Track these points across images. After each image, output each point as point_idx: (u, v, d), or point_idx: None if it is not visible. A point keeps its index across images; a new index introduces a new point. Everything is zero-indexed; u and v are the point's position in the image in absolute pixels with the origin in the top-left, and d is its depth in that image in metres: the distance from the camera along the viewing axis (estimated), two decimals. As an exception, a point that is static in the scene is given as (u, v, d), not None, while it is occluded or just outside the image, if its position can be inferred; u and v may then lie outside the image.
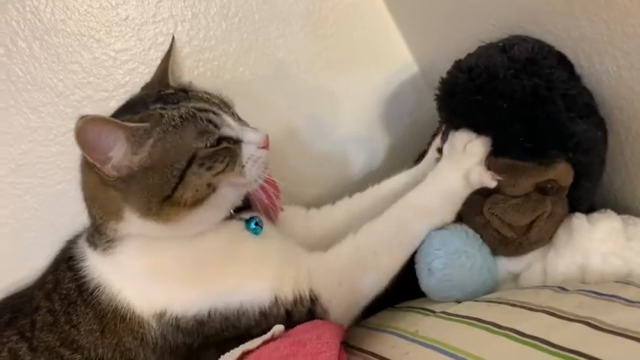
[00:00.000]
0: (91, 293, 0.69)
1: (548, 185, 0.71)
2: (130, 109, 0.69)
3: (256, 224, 0.73)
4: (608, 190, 0.79)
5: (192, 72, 0.88)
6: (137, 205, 0.66)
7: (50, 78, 0.83)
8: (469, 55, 0.78)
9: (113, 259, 0.68)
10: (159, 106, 0.67)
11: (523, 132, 0.68)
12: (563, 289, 0.64)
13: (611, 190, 0.79)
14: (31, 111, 0.83)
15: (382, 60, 1.02)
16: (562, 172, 0.71)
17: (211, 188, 0.66)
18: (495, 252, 0.77)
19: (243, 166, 0.68)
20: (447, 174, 0.75)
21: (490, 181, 0.71)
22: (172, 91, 0.71)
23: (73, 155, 0.68)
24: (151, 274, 0.69)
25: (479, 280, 0.73)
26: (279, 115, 0.97)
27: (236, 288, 0.70)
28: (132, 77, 0.86)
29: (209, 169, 0.66)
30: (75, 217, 0.74)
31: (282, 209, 0.78)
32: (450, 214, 0.75)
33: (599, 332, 0.51)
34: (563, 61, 0.73)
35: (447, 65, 0.77)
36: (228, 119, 0.70)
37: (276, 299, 0.70)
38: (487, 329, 0.59)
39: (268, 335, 0.63)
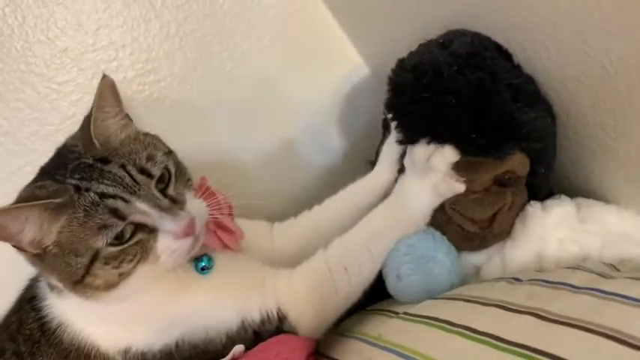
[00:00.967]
0: (53, 332, 0.69)
1: (507, 177, 0.72)
2: (48, 174, 0.65)
3: (203, 268, 0.70)
4: (560, 173, 0.79)
5: (138, 96, 0.88)
6: (57, 280, 0.65)
7: (-6, 117, 0.82)
8: (411, 53, 0.78)
9: (69, 302, 0.68)
10: (75, 179, 0.62)
11: (474, 128, 0.68)
12: (517, 279, 0.64)
13: (563, 173, 0.79)
14: (-22, 152, 0.82)
15: (332, 64, 1.02)
16: (518, 163, 0.71)
17: (124, 276, 0.63)
18: (460, 247, 0.77)
19: (158, 257, 0.64)
20: (412, 191, 0.74)
21: (460, 187, 0.71)
22: (91, 161, 0.63)
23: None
24: (107, 319, 0.69)
25: (447, 285, 0.73)
26: (233, 127, 0.96)
27: (199, 320, 0.69)
28: (77, 108, 0.85)
29: (115, 267, 0.62)
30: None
31: (240, 235, 0.76)
32: (421, 225, 0.75)
33: (546, 323, 0.52)
34: (502, 52, 0.74)
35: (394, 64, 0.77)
36: (142, 205, 0.62)
37: (242, 322, 0.70)
38: (443, 328, 0.59)
39: (229, 357, 0.63)
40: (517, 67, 0.73)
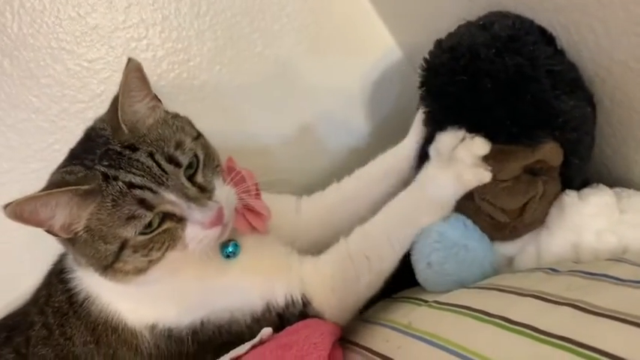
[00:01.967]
0: (81, 305, 0.70)
1: (538, 166, 0.70)
2: (77, 159, 0.65)
3: (228, 255, 0.70)
4: (599, 162, 0.77)
5: (167, 75, 0.88)
6: (88, 264, 0.65)
7: (25, 94, 0.82)
8: (450, 34, 0.76)
9: (96, 275, 0.67)
10: (104, 166, 0.61)
11: (508, 115, 0.66)
12: (554, 270, 0.63)
13: (603, 162, 0.77)
14: (8, 129, 0.83)
15: (364, 47, 1.00)
16: (550, 153, 0.69)
17: (154, 262, 0.64)
18: (490, 237, 0.76)
19: (186, 245, 0.64)
20: (436, 180, 0.73)
21: (486, 176, 0.69)
22: (119, 148, 0.62)
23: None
24: (135, 296, 0.69)
25: (479, 274, 0.72)
26: (261, 109, 0.96)
27: (225, 301, 0.70)
28: (107, 86, 0.85)
29: (145, 255, 0.63)
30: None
31: (268, 216, 0.75)
32: (442, 215, 0.74)
33: (587, 315, 0.50)
34: (545, 36, 0.71)
35: (430, 47, 0.75)
36: (170, 195, 0.62)
37: (267, 305, 0.71)
38: (477, 317, 0.58)
39: (257, 339, 0.63)
40: (559, 53, 0.71)
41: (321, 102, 1.00)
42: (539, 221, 0.73)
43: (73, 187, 0.60)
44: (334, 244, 0.77)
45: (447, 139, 0.71)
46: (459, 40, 0.72)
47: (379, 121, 1.05)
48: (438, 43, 0.75)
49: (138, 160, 0.61)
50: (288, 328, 0.66)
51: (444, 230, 0.73)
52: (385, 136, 1.02)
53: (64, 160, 0.67)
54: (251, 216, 0.73)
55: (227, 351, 0.64)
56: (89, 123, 0.69)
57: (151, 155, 0.62)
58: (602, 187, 0.73)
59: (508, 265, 0.76)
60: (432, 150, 0.74)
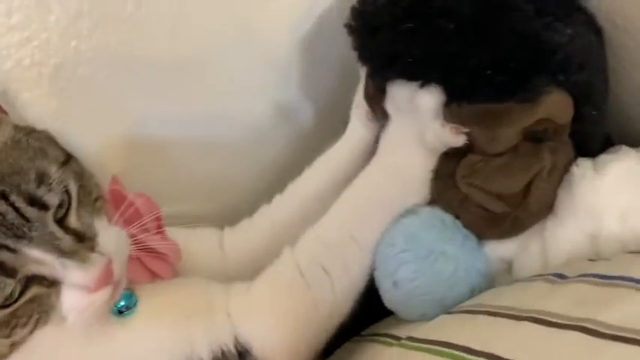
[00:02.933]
0: None
1: (541, 128, 0.71)
2: None
3: (120, 310, 0.70)
4: (618, 115, 0.79)
5: (2, 65, 0.84)
6: None
7: None
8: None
9: None
10: None
11: (487, 61, 0.67)
12: (560, 276, 0.64)
13: (623, 113, 0.79)
14: None
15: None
16: (556, 105, 0.70)
17: (18, 344, 0.64)
18: (483, 235, 0.77)
19: (64, 318, 0.64)
20: (399, 144, 0.75)
21: (453, 137, 0.71)
22: None
23: None
24: None
25: (466, 291, 0.73)
26: (144, 102, 0.94)
27: None
28: None
29: (5, 336, 0.62)
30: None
31: (174, 256, 0.76)
32: (416, 194, 0.76)
33: (597, 340, 0.51)
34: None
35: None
36: (35, 251, 0.60)
37: None
38: (457, 358, 0.59)
39: None
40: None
41: (238, 82, 0.99)
42: (549, 207, 0.74)
43: None
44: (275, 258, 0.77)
45: (401, 89, 0.73)
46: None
47: (320, 96, 1.05)
48: None
49: None
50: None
51: (413, 232, 0.74)
52: (331, 113, 1.04)
53: None
54: (151, 261, 0.73)
55: None
56: None
57: (4, 197, 0.59)
58: (624, 149, 0.74)
59: (507, 272, 0.77)
60: (389, 105, 0.76)
